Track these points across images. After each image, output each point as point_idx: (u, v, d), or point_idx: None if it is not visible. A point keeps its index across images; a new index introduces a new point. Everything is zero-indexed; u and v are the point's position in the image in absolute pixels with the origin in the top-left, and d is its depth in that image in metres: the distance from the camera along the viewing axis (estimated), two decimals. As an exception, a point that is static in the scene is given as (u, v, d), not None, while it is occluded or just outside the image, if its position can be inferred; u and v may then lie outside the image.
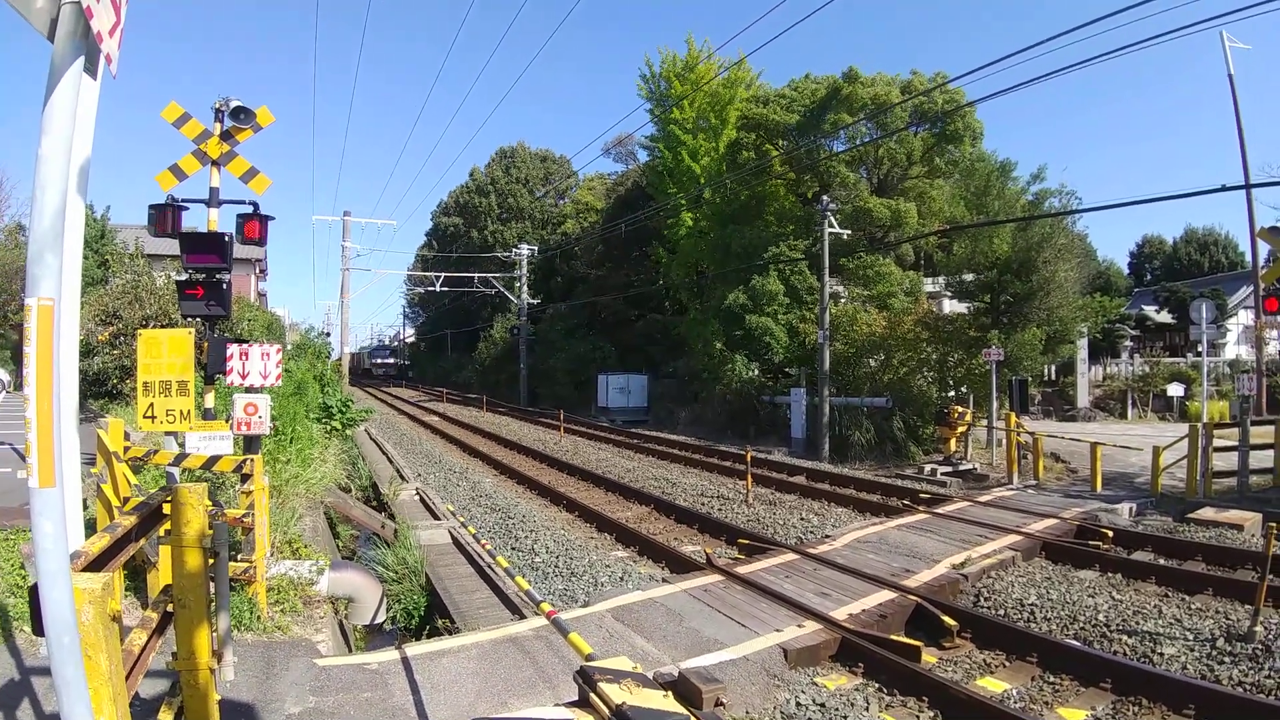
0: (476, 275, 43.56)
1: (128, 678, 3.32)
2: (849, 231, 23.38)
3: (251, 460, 6.53)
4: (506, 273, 45.19)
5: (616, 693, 3.27)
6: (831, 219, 20.38)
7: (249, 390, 7.14)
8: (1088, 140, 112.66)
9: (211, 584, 4.02)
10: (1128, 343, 36.79)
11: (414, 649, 6.14)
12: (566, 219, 52.62)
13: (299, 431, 12.98)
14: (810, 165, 27.19)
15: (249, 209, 7.67)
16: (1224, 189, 10.61)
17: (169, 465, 6.39)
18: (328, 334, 51.30)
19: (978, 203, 20.14)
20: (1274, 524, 6.95)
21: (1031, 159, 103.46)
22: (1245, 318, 36.36)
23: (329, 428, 19.31)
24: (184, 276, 7.37)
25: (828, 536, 10.36)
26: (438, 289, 44.83)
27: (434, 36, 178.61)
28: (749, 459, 14.42)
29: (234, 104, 7.59)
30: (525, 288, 42.79)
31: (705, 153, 30.71)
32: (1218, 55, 21.47)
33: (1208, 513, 11.15)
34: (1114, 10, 10.27)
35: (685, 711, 3.29)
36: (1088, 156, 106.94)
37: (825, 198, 21.08)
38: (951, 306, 25.31)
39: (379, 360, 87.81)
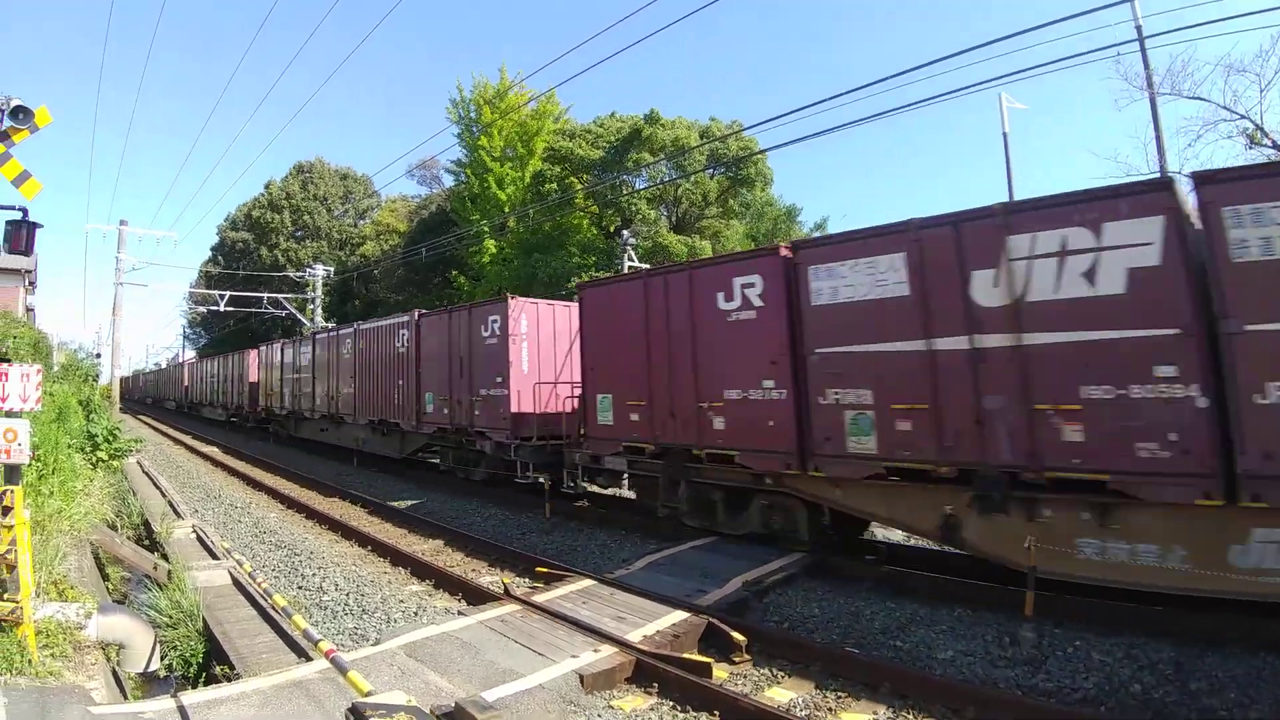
0: (266, 295, 40.84)
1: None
2: (648, 265, 24.38)
3: (12, 492, 6.04)
4: (300, 294, 42.74)
5: (390, 728, 3.28)
6: (632, 253, 21.16)
7: (8, 415, 6.49)
8: (874, 188, 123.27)
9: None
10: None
11: (191, 697, 5.77)
12: (366, 240, 50.79)
13: (62, 461, 11.77)
14: (613, 201, 28.09)
15: (18, 215, 7.02)
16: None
17: None
18: (98, 355, 45.87)
19: (767, 243, 21.75)
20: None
21: (817, 204, 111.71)
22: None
23: (94, 458, 17.39)
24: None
25: (625, 561, 10.64)
26: (222, 308, 41.51)
27: (228, 39, 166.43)
28: (549, 488, 14.53)
29: (14, 103, 6.95)
30: (319, 310, 40.58)
31: (511, 181, 30.87)
32: (996, 112, 24.01)
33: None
34: (895, 73, 11.59)
35: (462, 742, 3.35)
36: (879, 202, 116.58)
37: (626, 233, 21.91)
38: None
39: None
